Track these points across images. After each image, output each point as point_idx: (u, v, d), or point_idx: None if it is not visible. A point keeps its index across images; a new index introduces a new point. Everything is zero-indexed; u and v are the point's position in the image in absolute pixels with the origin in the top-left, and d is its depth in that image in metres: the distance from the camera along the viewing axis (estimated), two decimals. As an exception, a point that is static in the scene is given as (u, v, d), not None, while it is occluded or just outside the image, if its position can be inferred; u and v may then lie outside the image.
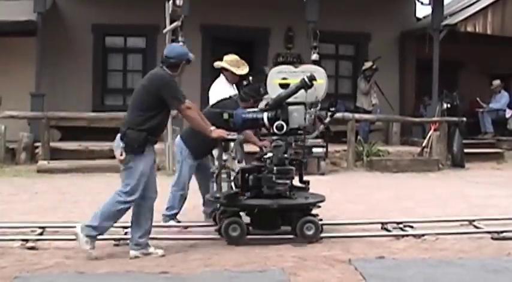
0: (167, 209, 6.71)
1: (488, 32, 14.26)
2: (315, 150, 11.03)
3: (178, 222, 6.71)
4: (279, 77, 6.22)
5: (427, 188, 9.98)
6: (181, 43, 11.46)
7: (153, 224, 5.64)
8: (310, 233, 5.82)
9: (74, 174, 10.28)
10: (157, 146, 11.50)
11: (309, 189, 6.27)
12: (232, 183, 6.00)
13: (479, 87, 15.64)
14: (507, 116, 15.25)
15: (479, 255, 5.54)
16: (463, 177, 11.33)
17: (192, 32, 13.42)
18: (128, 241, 5.54)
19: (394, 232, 6.39)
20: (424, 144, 12.86)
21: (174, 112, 11.30)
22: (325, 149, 10.40)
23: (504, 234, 6.21)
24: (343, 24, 14.56)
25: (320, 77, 6.04)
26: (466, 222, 6.77)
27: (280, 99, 5.99)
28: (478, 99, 15.24)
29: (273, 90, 6.17)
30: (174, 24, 10.69)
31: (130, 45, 15.23)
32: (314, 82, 5.89)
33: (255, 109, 6.33)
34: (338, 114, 12.72)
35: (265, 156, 5.99)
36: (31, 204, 7.81)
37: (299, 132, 5.97)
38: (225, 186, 5.99)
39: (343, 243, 5.86)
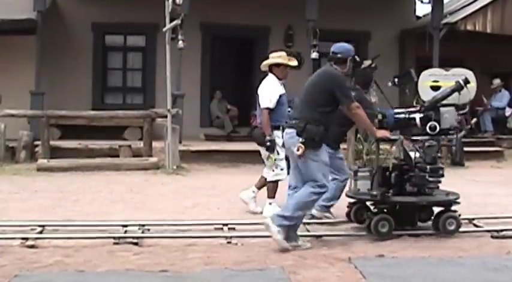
0: (325, 200, 6.76)
1: (488, 30, 14.27)
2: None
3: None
4: (430, 80, 6.45)
5: (427, 186, 9.96)
6: (180, 41, 11.52)
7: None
8: (452, 228, 6.06)
9: (73, 173, 10.27)
10: (157, 145, 11.60)
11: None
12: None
13: (479, 86, 15.58)
14: (507, 114, 15.24)
15: (479, 254, 5.54)
16: (463, 176, 11.31)
17: (192, 31, 13.43)
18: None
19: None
20: (423, 143, 12.84)
21: (174, 111, 11.38)
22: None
23: (504, 232, 6.22)
24: (343, 22, 14.55)
25: (471, 79, 6.37)
26: (466, 221, 6.77)
27: (436, 101, 6.21)
28: (482, 96, 15.23)
29: (425, 92, 6.40)
30: (174, 22, 10.68)
31: (130, 44, 15.24)
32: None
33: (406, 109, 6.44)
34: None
35: (412, 156, 6.16)
36: (31, 202, 7.81)
37: (450, 132, 6.21)
38: (366, 185, 6.23)
39: (342, 242, 5.86)
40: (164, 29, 10.91)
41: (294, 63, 7.37)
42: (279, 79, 7.24)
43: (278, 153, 7.05)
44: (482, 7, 14.25)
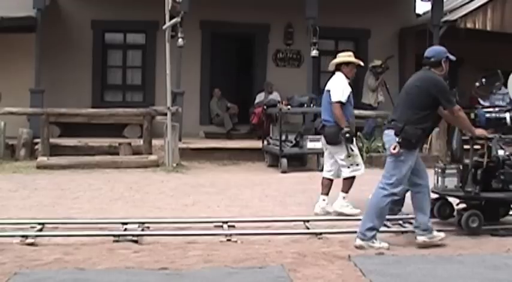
0: None
1: (488, 28, 14.25)
2: (312, 145, 11.03)
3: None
4: None
5: (427, 184, 9.96)
6: (180, 39, 11.52)
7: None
8: None
9: (73, 171, 10.27)
10: (157, 143, 11.61)
11: None
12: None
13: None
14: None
15: (479, 252, 5.56)
16: (463, 174, 11.32)
17: (192, 28, 13.42)
18: (413, 228, 5.90)
19: (394, 228, 6.41)
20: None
21: (173, 108, 11.38)
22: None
23: (503, 230, 6.23)
24: (342, 20, 14.54)
25: None
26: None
27: None
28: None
29: None
30: (174, 20, 10.68)
31: (130, 42, 15.22)
32: None
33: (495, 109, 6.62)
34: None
35: (501, 154, 6.34)
36: (30, 200, 7.81)
37: None
38: (453, 181, 6.39)
39: (342, 240, 5.86)
40: (164, 27, 10.90)
41: (361, 62, 7.58)
42: (347, 78, 7.33)
43: (352, 150, 7.12)
44: (482, 5, 14.21)
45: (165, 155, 10.75)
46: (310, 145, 11.06)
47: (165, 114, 10.98)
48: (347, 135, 7.03)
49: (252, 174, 10.47)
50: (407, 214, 6.76)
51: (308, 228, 6.31)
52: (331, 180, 7.37)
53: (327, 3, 12.62)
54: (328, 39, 14.83)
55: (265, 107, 12.29)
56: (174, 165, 10.55)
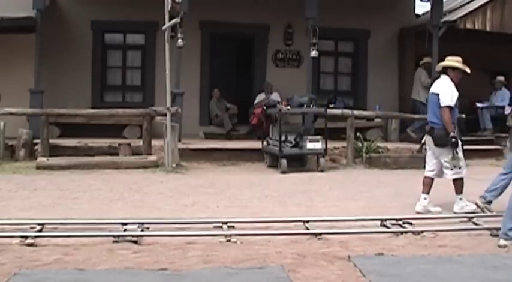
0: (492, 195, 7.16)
1: (488, 28, 14.25)
2: (312, 146, 11.02)
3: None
4: None
5: (426, 184, 9.96)
6: (180, 40, 11.52)
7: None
8: None
9: (73, 171, 10.27)
10: (156, 143, 11.60)
11: None
12: None
13: (478, 84, 15.60)
14: (506, 112, 15.21)
15: (479, 252, 5.55)
16: (462, 174, 11.31)
17: (191, 29, 13.41)
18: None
19: (394, 229, 6.41)
20: (423, 141, 12.80)
21: (173, 109, 11.38)
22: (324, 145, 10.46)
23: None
24: (342, 20, 14.53)
25: None
26: (465, 219, 6.79)
27: None
28: (477, 104, 15.27)
29: None
30: (173, 20, 10.68)
31: (130, 42, 15.21)
32: None
33: None
34: (337, 111, 12.80)
35: None
36: (30, 200, 7.81)
37: None
38: None
39: (342, 240, 5.86)
40: (164, 27, 10.91)
41: (468, 69, 7.71)
42: (453, 82, 7.46)
43: (457, 153, 7.29)
44: (482, 5, 14.22)
45: (165, 156, 10.75)
46: (309, 146, 11.07)
47: (165, 115, 10.98)
48: (453, 140, 7.20)
49: (252, 175, 10.47)
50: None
51: (308, 229, 6.31)
52: (432, 179, 7.60)
53: (326, 4, 12.62)
54: (327, 39, 14.82)
55: (264, 107, 12.29)
56: (174, 165, 10.56)
